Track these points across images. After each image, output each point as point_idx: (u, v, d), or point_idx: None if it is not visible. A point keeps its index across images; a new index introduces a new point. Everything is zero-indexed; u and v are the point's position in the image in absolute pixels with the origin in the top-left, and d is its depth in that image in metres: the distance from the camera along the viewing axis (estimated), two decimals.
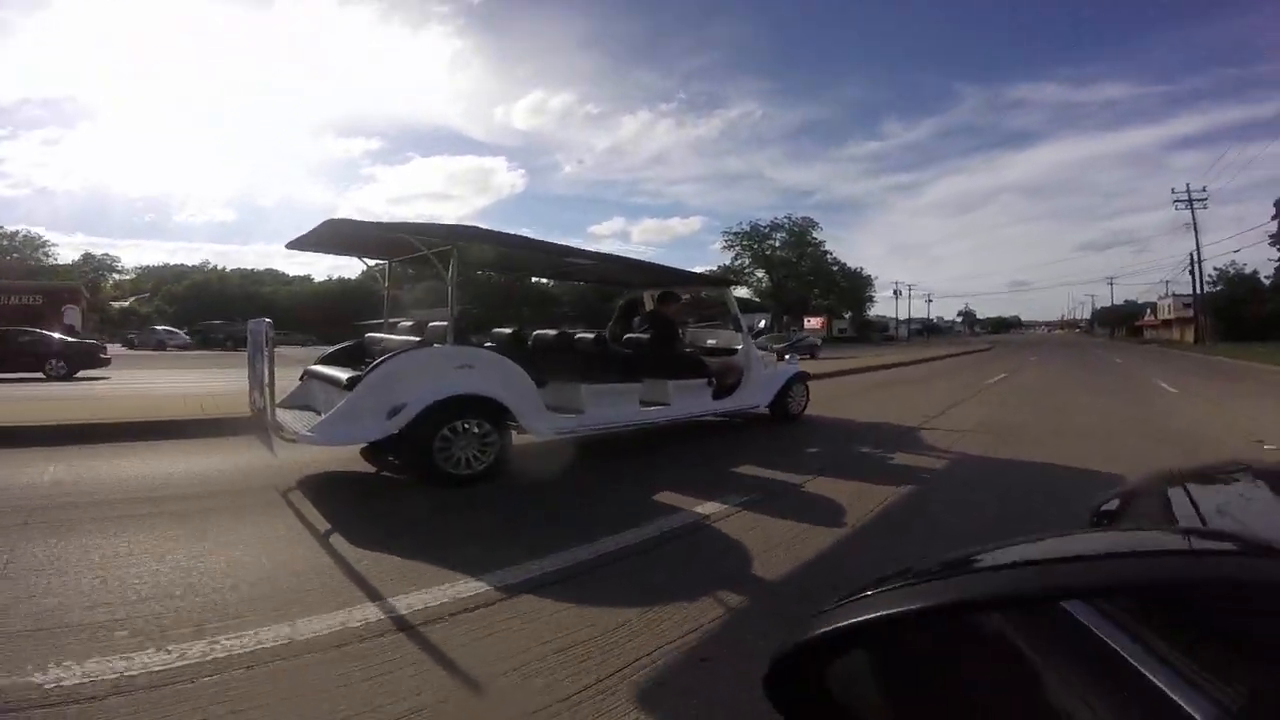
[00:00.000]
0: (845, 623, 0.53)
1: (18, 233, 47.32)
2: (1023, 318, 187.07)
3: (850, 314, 74.81)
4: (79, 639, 2.24)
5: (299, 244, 5.56)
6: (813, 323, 56.78)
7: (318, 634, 2.31)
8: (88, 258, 49.74)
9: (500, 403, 4.79)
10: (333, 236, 5.30)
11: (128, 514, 3.82)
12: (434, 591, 2.71)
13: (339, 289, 54.03)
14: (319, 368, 5.52)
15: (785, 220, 64.02)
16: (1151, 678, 0.47)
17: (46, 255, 47.88)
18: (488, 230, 5.22)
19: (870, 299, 76.69)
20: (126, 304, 48.21)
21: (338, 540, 3.42)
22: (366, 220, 4.96)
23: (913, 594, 0.54)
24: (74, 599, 2.59)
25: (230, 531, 3.54)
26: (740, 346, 7.50)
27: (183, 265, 64.30)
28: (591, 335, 6.35)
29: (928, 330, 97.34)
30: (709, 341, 8.10)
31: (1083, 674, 0.52)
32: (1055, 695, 0.53)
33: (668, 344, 6.82)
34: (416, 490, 4.49)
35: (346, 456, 5.13)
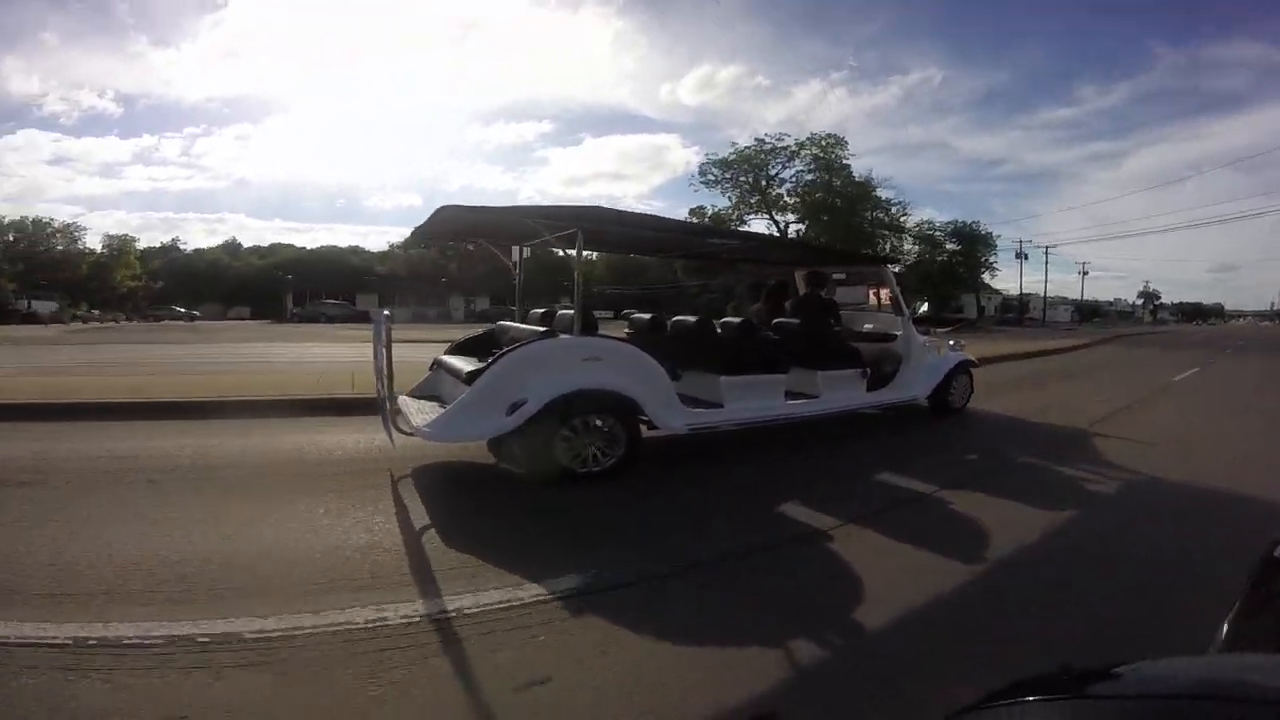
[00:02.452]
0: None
1: (49, 221, 51.02)
2: (1227, 305, 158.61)
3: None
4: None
5: (422, 233, 5.39)
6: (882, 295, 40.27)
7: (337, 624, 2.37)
8: (108, 241, 53.80)
9: (628, 397, 4.41)
10: (453, 224, 5.12)
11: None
12: (492, 593, 2.65)
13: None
14: (447, 358, 5.38)
15: (793, 142, 37.93)
16: None
17: (75, 240, 51.54)
18: (614, 210, 4.78)
19: (990, 266, 53.21)
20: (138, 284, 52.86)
21: (425, 531, 3.44)
22: (480, 205, 4.71)
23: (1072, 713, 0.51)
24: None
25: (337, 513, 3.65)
26: (899, 332, 6.62)
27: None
28: (738, 321, 5.76)
29: (1083, 314, 77.52)
30: (865, 326, 7.22)
31: None
32: None
33: (820, 330, 6.09)
34: (530, 489, 4.17)
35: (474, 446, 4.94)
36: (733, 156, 38.14)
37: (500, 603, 2.56)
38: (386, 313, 4.60)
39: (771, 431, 5.65)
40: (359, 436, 5.42)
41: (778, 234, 34.59)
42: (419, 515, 3.64)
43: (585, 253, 4.88)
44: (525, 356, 4.32)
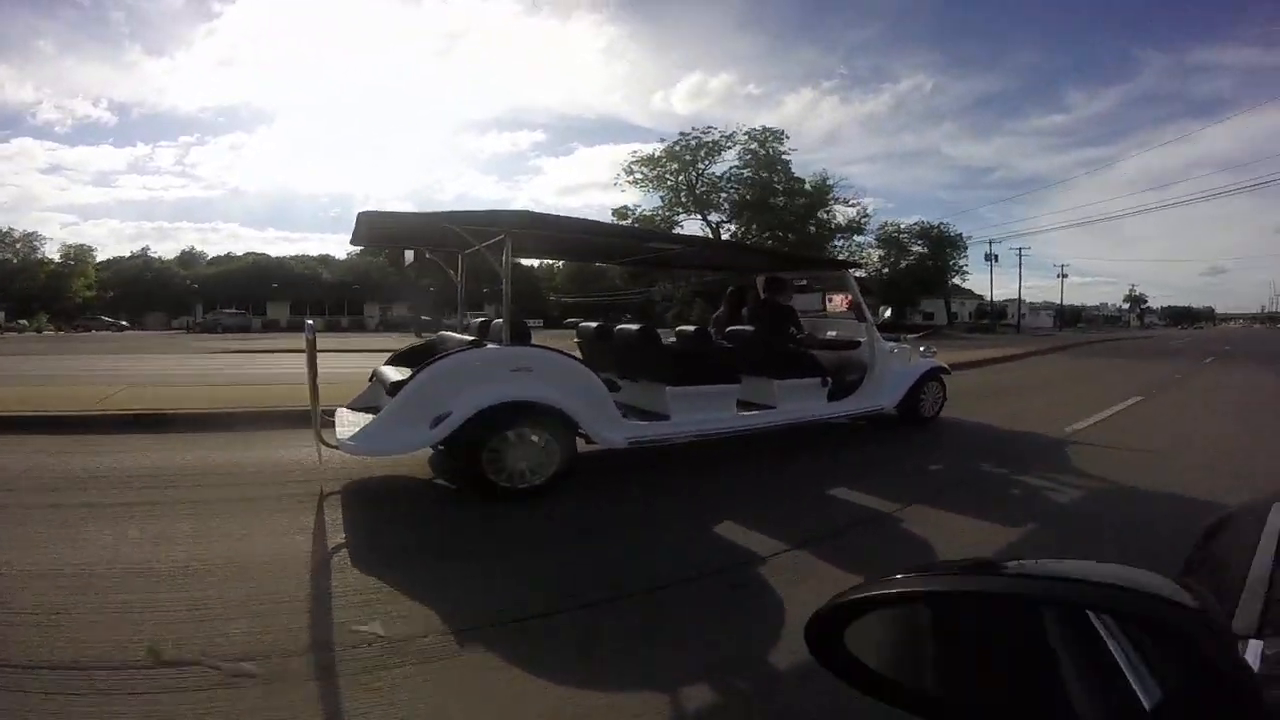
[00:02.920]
0: (866, 594, 0.64)
1: (9, 231, 51.15)
2: (1217, 309, 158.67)
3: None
4: None
5: (355, 239, 5.17)
6: (835, 301, 21.69)
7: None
8: (65, 251, 53.26)
9: (560, 409, 4.15)
10: (381, 230, 4.90)
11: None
12: (386, 622, 2.43)
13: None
14: (384, 368, 5.10)
15: (719, 134, 34.49)
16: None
17: (35, 250, 51.42)
18: (542, 215, 4.57)
19: (959, 269, 50.37)
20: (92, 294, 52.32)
21: (336, 552, 3.25)
22: (399, 211, 4.51)
23: (921, 580, 0.67)
24: None
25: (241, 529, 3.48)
26: (863, 339, 6.35)
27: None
28: (692, 329, 5.49)
29: (1064, 319, 75.17)
30: (829, 333, 6.97)
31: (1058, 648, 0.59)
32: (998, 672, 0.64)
33: (777, 337, 5.79)
34: (460, 505, 4.02)
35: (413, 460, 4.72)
36: (659, 153, 35.01)
37: (395, 636, 2.32)
38: (310, 322, 4.41)
39: (727, 444, 5.34)
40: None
41: (709, 235, 32.40)
42: (335, 534, 3.46)
43: (544, 261, 4.62)
44: (450, 367, 4.13)
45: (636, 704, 1.97)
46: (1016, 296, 62.55)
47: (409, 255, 5.62)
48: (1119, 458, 5.41)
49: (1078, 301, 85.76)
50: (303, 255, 64.56)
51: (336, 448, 4.13)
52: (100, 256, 57.17)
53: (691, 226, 35.08)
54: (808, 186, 36.45)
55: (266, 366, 12.66)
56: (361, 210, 4.35)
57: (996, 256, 56.34)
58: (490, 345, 4.40)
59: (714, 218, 35.59)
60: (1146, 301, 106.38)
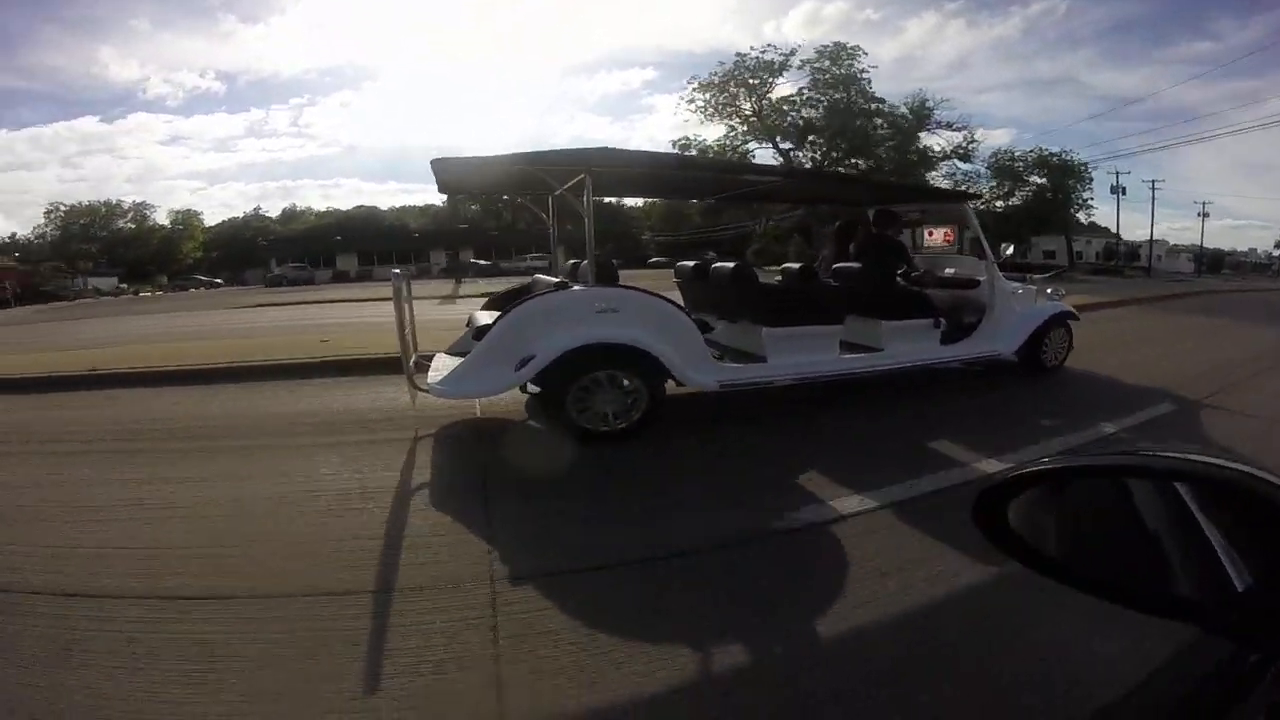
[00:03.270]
0: (1025, 471, 0.74)
1: (119, 203, 54.36)
2: None
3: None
4: None
5: (443, 189, 5.31)
6: (935, 235, 29.19)
7: None
8: (174, 216, 56.24)
9: (647, 351, 4.01)
10: (459, 176, 4.88)
11: None
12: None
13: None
14: (478, 313, 5.13)
15: (790, 53, 31.39)
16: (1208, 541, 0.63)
17: (146, 218, 54.49)
18: (622, 150, 4.37)
19: (1082, 203, 43.81)
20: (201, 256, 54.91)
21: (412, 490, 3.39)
22: (475, 157, 4.39)
23: (1070, 462, 0.80)
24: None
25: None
26: (983, 278, 5.76)
27: None
28: (796, 267, 5.17)
29: (1205, 263, 60.90)
30: (946, 270, 6.39)
31: (1164, 531, 0.69)
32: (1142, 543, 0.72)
33: (883, 274, 5.34)
34: (548, 447, 4.01)
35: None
36: (717, 78, 31.88)
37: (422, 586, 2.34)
38: (398, 271, 4.53)
39: (836, 386, 4.99)
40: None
41: (783, 164, 29.40)
42: (411, 474, 3.61)
43: (637, 200, 4.50)
44: (535, 309, 4.09)
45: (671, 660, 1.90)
46: (1161, 237, 55.26)
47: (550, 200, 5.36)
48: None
49: (1228, 245, 74.68)
50: (406, 206, 66.00)
51: (426, 393, 4.19)
52: (227, 216, 61.33)
53: (764, 156, 32.37)
54: (902, 109, 33.09)
55: (273, 319, 13.68)
56: (434, 158, 4.27)
57: (1125, 189, 47.18)
58: (576, 287, 4.31)
59: (785, 145, 32.56)
60: None
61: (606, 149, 4.25)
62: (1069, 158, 42.05)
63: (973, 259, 6.10)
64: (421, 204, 64.51)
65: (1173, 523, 0.65)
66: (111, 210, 54.21)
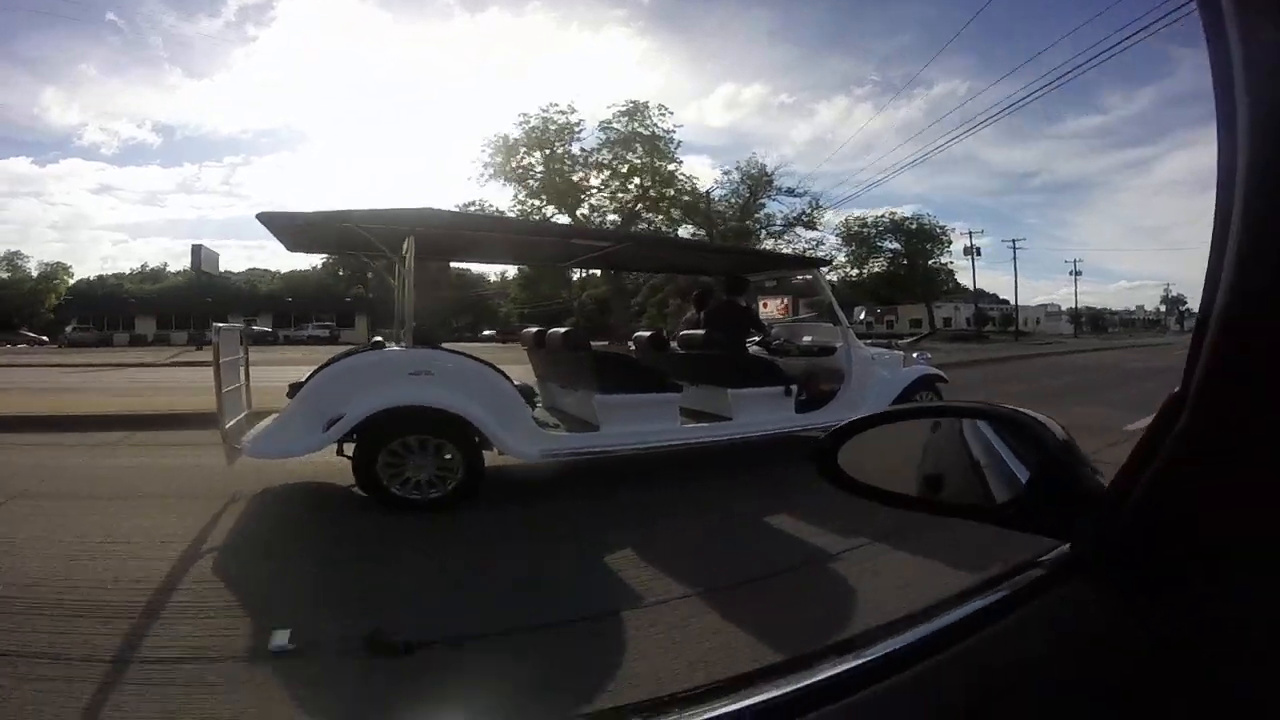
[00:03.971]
0: (851, 420, 0.86)
1: None
2: None
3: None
4: None
5: (288, 246, 5.21)
6: (769, 306, 28.38)
7: None
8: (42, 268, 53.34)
9: (459, 416, 3.87)
10: (288, 231, 4.66)
11: None
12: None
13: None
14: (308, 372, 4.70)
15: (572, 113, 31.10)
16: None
17: (18, 268, 51.94)
18: (449, 212, 4.34)
19: (942, 268, 44.69)
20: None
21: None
22: (303, 212, 4.19)
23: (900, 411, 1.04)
24: None
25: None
26: (839, 344, 5.75)
27: None
28: (648, 334, 5.01)
29: (1081, 324, 64.78)
30: (804, 338, 6.38)
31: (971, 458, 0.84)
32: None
33: (729, 341, 5.25)
34: (361, 515, 3.83)
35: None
36: (513, 138, 30.33)
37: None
38: (220, 326, 4.40)
39: (676, 456, 4.78)
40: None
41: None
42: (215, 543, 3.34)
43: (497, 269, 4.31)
44: (345, 369, 4.05)
45: None
46: (1064, 300, 57.20)
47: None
48: None
49: (1121, 305, 79.97)
50: (263, 270, 61.48)
51: (240, 452, 3.95)
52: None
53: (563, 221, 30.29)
54: (735, 174, 33.00)
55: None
56: (259, 212, 4.09)
57: (979, 250, 46.72)
58: (390, 347, 4.23)
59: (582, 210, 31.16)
60: (1186, 303, 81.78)
61: (429, 210, 4.18)
62: (926, 221, 42.51)
63: (827, 325, 6.11)
64: (308, 267, 60.59)
65: (980, 448, 0.82)
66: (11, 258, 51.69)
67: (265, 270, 61.74)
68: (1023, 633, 0.58)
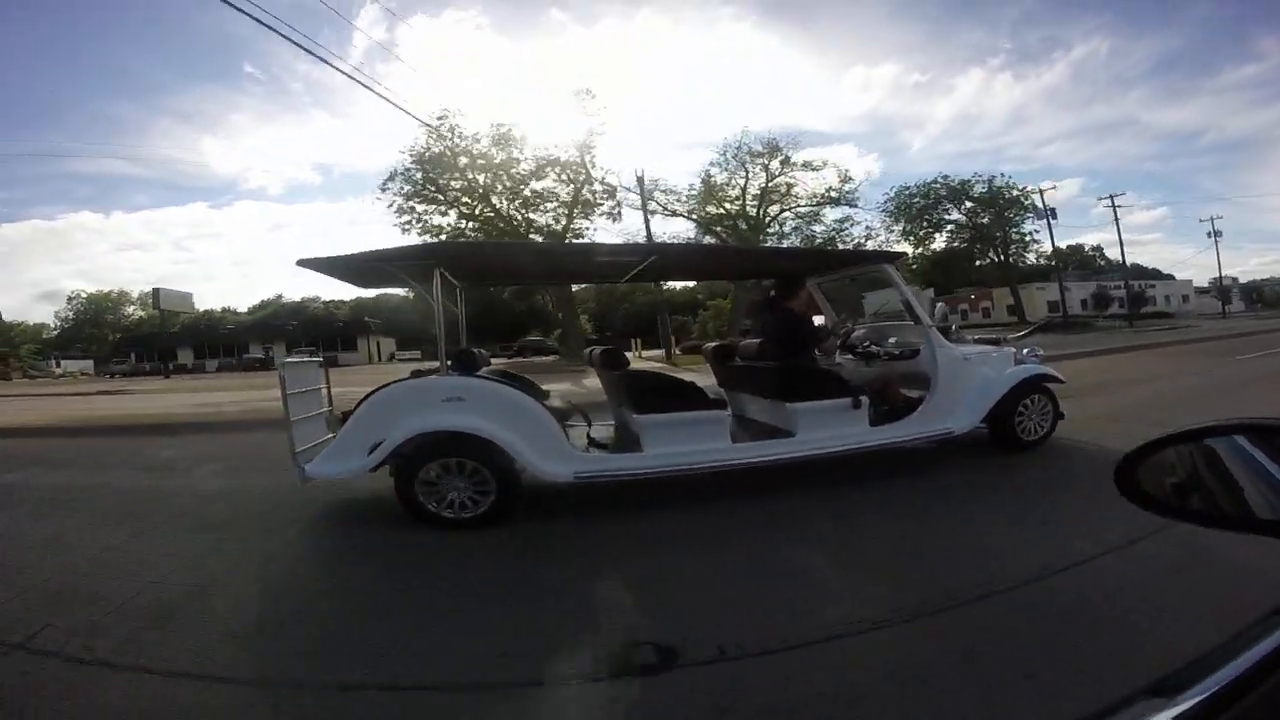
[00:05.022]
0: (1151, 440, 0.93)
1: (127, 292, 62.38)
2: None
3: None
4: None
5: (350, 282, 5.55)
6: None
7: None
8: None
9: (489, 440, 4.03)
10: (335, 272, 4.96)
11: None
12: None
13: None
14: None
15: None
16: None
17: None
18: (473, 242, 4.29)
19: (1029, 239, 38.40)
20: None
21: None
22: (332, 256, 4.39)
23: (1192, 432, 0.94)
24: None
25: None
26: (922, 345, 5.20)
27: None
28: (713, 345, 4.83)
29: (1227, 297, 51.81)
30: (890, 340, 5.83)
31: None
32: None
33: (784, 351, 4.87)
34: (395, 532, 4.05)
35: None
36: (428, 154, 27.09)
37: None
38: (290, 359, 5.06)
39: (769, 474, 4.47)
40: None
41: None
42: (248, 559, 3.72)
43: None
44: (384, 397, 4.29)
45: None
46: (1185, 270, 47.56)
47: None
48: None
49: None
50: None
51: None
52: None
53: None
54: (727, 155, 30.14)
55: None
56: (298, 259, 4.37)
57: (1054, 211, 36.69)
58: (430, 375, 4.46)
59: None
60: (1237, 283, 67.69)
61: (450, 241, 4.27)
62: (1002, 184, 36.22)
63: (911, 324, 5.51)
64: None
65: (1250, 467, 0.87)
66: (123, 297, 63.00)
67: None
68: None
